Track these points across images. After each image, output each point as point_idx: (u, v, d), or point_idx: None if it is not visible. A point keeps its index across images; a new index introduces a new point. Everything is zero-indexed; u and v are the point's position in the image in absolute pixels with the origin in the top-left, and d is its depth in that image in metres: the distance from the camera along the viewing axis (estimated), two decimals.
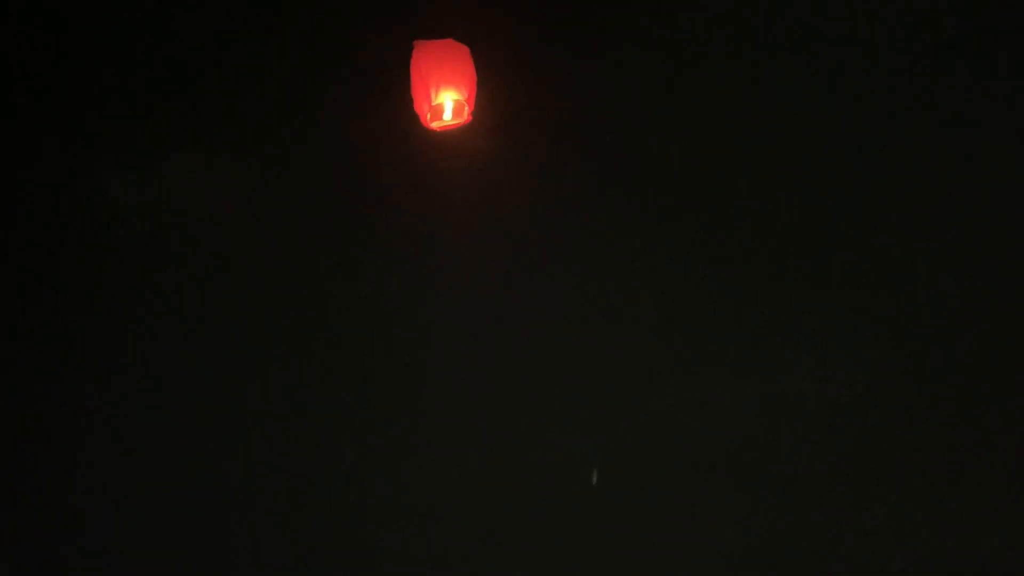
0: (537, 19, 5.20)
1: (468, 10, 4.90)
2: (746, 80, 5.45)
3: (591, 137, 5.38)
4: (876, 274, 5.38)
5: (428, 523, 5.34)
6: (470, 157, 5.03)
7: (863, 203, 5.45)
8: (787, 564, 5.27)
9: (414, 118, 4.98)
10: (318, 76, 5.25)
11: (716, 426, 5.36)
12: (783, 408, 5.34)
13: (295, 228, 5.42)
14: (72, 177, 5.59)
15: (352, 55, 5.15)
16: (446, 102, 4.85)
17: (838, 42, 5.47)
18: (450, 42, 4.84)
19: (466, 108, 4.86)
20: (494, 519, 5.32)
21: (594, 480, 5.33)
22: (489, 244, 5.36)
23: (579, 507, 5.34)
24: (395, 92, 5.05)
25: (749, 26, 5.42)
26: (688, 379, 5.44)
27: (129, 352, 5.49)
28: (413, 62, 4.83)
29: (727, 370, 5.41)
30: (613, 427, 5.44)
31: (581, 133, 5.38)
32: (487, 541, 5.31)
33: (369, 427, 5.42)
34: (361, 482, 5.39)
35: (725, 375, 5.43)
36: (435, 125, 4.89)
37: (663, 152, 5.44)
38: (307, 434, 5.43)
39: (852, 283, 5.38)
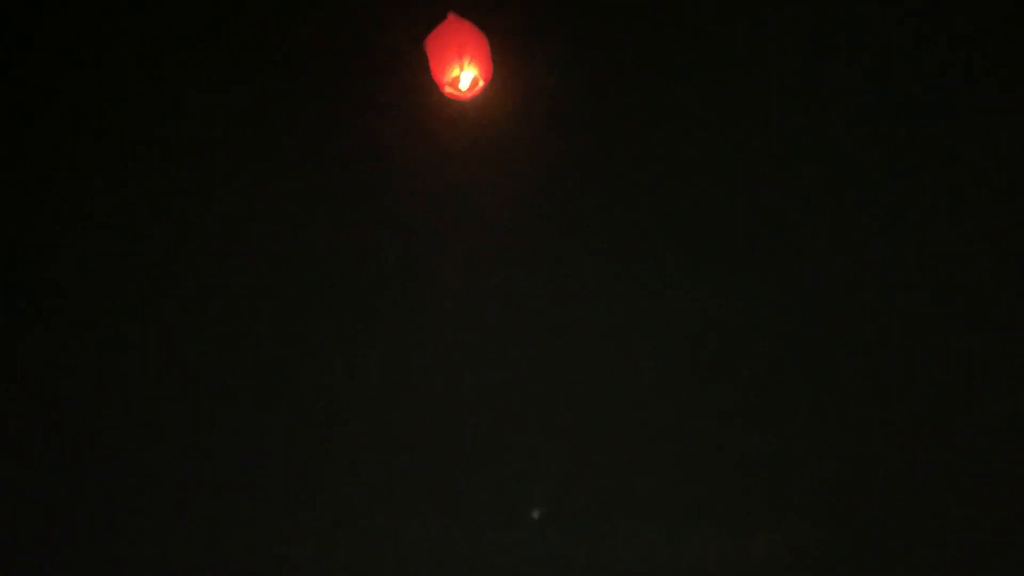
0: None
1: None
2: (768, 61, 5.52)
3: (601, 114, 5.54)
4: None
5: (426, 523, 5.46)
6: (480, 125, 5.53)
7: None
8: None
9: (433, 86, 5.39)
10: (339, 45, 5.48)
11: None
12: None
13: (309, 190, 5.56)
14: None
15: (377, 25, 5.43)
16: (463, 74, 5.39)
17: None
18: (467, 23, 5.35)
19: (480, 81, 5.39)
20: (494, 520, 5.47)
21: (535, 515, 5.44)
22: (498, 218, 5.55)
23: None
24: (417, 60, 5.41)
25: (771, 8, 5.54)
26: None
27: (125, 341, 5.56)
28: (436, 34, 5.35)
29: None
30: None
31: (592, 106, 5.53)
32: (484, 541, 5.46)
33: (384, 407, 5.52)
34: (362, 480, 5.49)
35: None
36: (450, 92, 5.40)
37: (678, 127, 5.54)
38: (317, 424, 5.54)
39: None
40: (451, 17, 5.24)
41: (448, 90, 5.32)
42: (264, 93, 5.52)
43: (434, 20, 5.26)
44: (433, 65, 5.30)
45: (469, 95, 5.34)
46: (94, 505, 5.46)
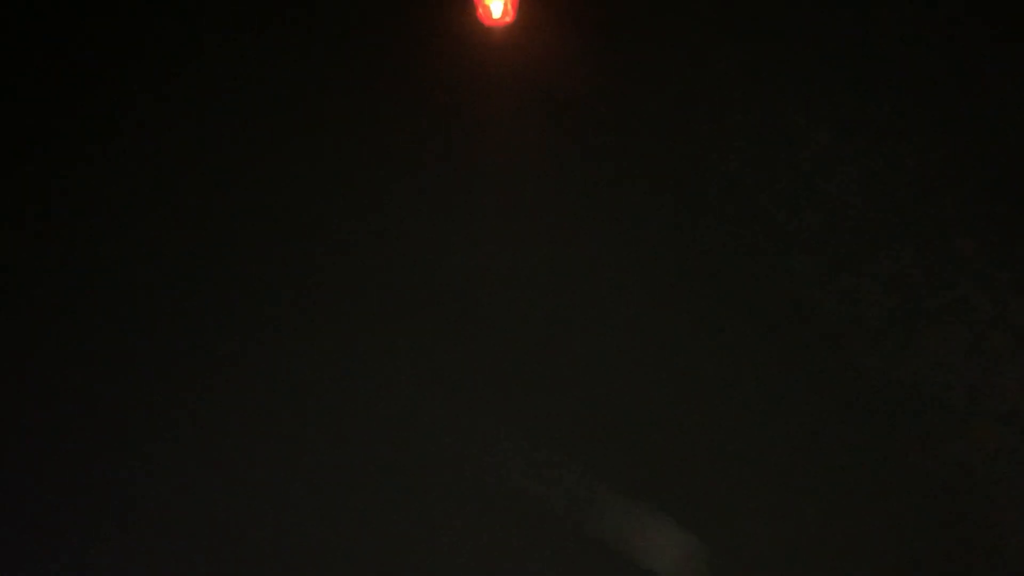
0: None
1: None
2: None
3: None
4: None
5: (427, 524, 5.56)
6: (513, 51, 6.00)
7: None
8: None
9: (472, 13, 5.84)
10: None
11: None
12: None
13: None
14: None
15: None
16: (494, 2, 5.99)
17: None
18: None
19: (511, 8, 5.97)
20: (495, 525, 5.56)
21: None
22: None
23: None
24: None
25: None
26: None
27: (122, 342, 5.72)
28: None
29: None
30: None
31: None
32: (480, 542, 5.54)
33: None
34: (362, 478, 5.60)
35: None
36: (487, 22, 5.98)
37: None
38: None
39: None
40: None
41: (483, 18, 5.91)
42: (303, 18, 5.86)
43: None
44: None
45: (501, 22, 5.92)
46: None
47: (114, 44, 5.89)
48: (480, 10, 5.88)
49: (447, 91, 5.84)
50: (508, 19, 5.89)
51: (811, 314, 5.57)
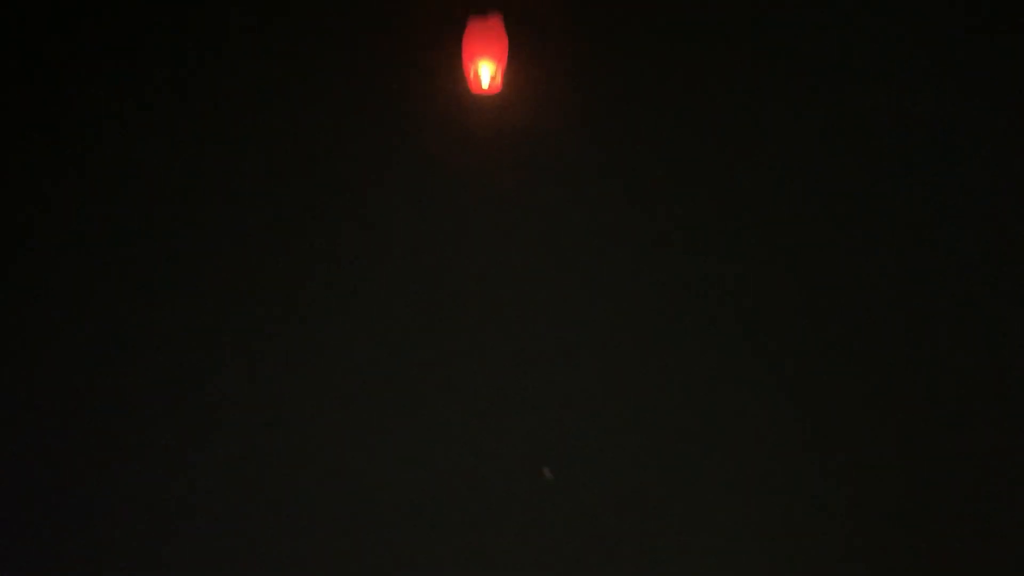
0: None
1: None
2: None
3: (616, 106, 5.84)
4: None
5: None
6: (502, 118, 6.16)
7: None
8: None
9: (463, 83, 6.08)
10: (380, 45, 5.93)
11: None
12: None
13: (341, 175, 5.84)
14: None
15: (413, 26, 5.95)
16: (483, 71, 6.30)
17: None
18: (493, 20, 6.20)
19: (499, 77, 6.29)
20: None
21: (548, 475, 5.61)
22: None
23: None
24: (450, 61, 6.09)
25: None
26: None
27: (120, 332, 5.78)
28: (464, 36, 6.16)
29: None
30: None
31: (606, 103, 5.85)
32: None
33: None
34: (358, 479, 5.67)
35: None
36: (476, 90, 6.29)
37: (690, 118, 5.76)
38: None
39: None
40: (472, 20, 6.25)
41: (472, 85, 6.23)
42: (301, 76, 5.96)
43: (459, 21, 6.13)
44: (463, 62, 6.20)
45: (490, 90, 6.25)
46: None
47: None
48: (470, 79, 6.20)
49: (437, 156, 6.03)
50: (496, 88, 6.21)
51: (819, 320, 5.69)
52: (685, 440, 5.62)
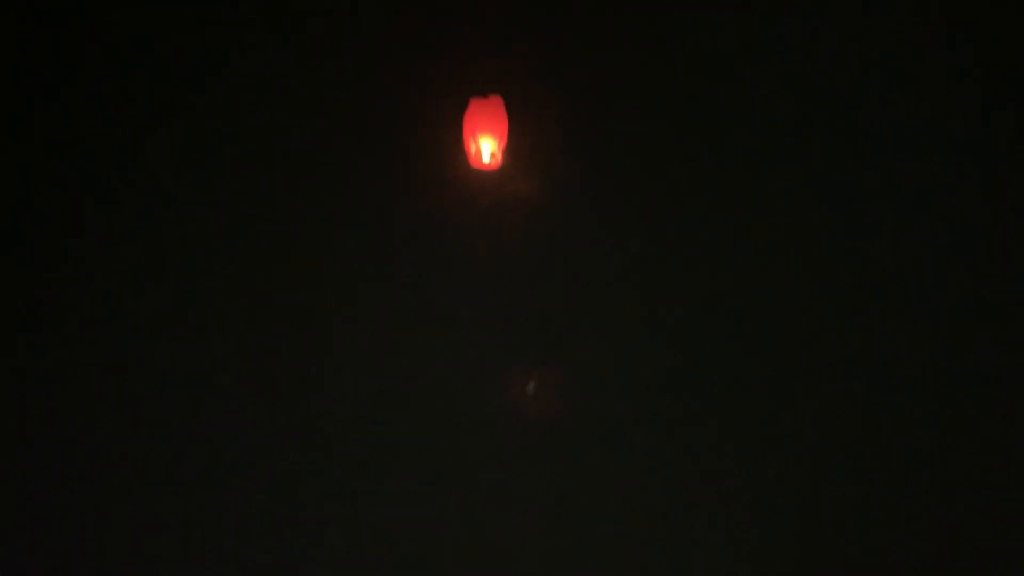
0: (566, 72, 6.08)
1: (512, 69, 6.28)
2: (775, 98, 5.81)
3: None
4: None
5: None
6: (500, 192, 6.39)
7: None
8: None
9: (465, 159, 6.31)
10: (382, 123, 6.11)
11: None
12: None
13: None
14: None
15: (412, 105, 6.13)
16: (484, 147, 6.54)
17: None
18: (494, 99, 6.56)
19: (498, 153, 6.52)
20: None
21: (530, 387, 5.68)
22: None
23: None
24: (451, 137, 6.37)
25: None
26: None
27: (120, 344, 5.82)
28: (466, 115, 6.44)
29: None
30: None
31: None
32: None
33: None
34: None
35: None
36: (477, 166, 6.52)
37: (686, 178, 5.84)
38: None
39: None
40: (474, 101, 6.51)
41: (474, 160, 6.46)
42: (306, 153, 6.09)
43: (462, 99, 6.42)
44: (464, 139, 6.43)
45: (490, 166, 6.48)
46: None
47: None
48: (471, 155, 6.43)
49: (439, 230, 6.18)
50: (496, 163, 6.44)
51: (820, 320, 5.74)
52: (685, 440, 5.69)
